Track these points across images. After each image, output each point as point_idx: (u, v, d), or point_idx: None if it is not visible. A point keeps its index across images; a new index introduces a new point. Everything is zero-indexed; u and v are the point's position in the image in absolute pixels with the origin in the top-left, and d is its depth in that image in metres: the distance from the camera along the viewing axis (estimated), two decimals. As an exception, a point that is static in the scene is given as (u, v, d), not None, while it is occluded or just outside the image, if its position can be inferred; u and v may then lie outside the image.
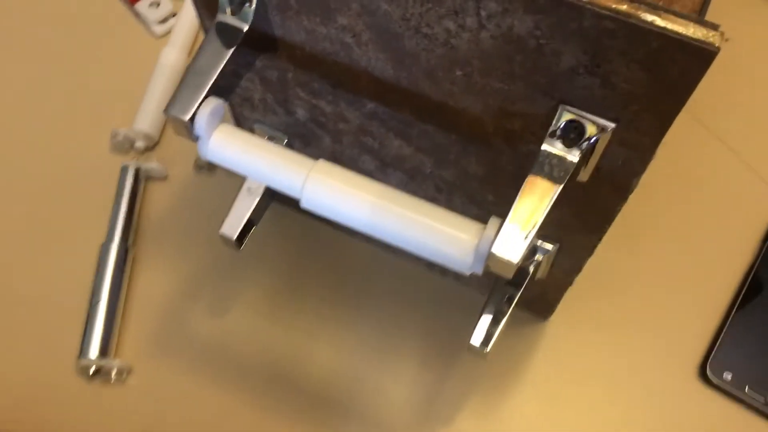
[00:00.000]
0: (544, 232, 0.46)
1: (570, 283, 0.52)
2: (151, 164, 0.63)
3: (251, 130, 0.52)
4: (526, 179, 0.35)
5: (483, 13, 0.32)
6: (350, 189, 0.36)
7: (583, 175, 0.37)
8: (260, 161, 0.38)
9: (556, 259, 0.49)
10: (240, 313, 0.59)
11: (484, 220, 0.49)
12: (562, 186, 0.35)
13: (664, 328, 0.58)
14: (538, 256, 0.48)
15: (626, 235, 0.62)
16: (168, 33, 0.70)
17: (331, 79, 0.42)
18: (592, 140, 0.34)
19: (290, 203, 0.61)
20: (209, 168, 0.64)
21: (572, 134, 0.35)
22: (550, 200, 0.35)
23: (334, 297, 0.59)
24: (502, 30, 0.32)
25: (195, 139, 0.37)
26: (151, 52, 0.69)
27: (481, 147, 0.41)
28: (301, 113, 0.47)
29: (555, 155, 0.35)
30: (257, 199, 0.51)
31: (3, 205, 0.63)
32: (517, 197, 0.35)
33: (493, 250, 0.33)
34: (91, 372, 0.56)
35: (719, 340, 0.57)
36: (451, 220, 0.36)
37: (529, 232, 0.34)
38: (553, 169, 0.35)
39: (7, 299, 0.59)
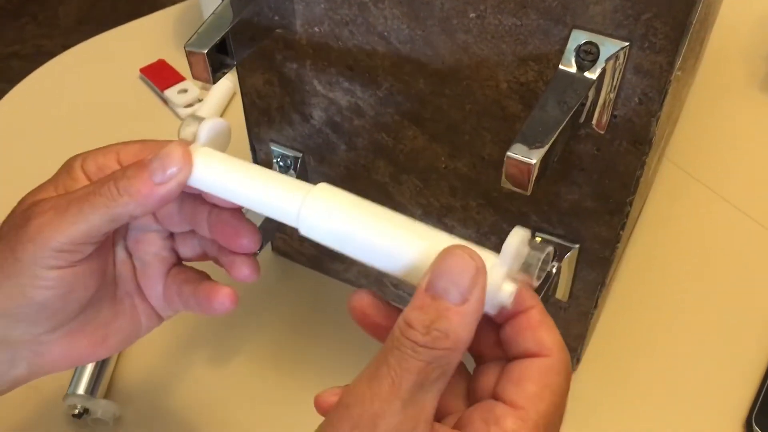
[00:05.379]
0: (560, 230, 0.44)
1: (591, 313, 0.49)
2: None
3: (267, 154, 0.53)
4: (541, 98, 0.34)
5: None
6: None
7: (601, 115, 0.37)
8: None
9: (578, 269, 0.46)
10: (241, 365, 0.55)
11: (500, 226, 0.47)
12: (575, 108, 0.34)
13: (707, 382, 0.53)
14: (560, 264, 0.45)
15: (662, 289, 0.59)
16: (193, 116, 0.73)
17: (348, 59, 0.43)
18: (607, 59, 0.34)
19: (293, 255, 0.60)
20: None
21: (587, 58, 0.35)
22: (566, 119, 0.34)
23: (339, 349, 0.56)
24: (513, -56, 0.34)
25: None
26: (175, 128, 0.71)
27: (495, 116, 0.41)
28: (317, 116, 0.48)
29: (572, 74, 0.35)
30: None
31: None
32: (530, 115, 0.34)
33: (509, 152, 0.32)
34: (76, 412, 0.52)
35: (764, 393, 0.52)
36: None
37: (545, 142, 0.33)
38: (569, 88, 0.34)
39: None
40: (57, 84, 0.78)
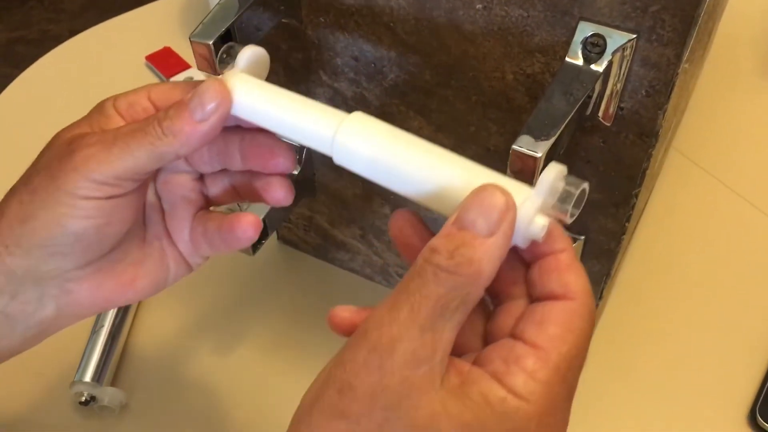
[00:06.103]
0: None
1: (596, 304, 0.49)
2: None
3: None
4: (547, 90, 0.34)
5: None
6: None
7: (607, 108, 0.37)
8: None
9: (583, 261, 0.46)
10: (246, 353, 0.56)
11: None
12: (581, 101, 0.34)
13: (712, 373, 0.54)
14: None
15: (666, 281, 0.59)
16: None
17: (353, 49, 0.43)
18: (614, 51, 0.34)
19: (298, 244, 0.60)
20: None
21: (594, 50, 0.35)
22: (572, 112, 0.34)
23: (343, 338, 0.56)
24: (520, -65, 0.33)
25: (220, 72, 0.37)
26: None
27: (501, 108, 0.41)
28: (322, 106, 0.47)
29: (578, 66, 0.34)
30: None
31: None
32: (537, 107, 0.34)
33: (515, 146, 0.32)
34: (82, 399, 0.52)
35: None
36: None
37: (551, 135, 0.33)
38: (576, 80, 0.34)
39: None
40: (63, 70, 0.78)
